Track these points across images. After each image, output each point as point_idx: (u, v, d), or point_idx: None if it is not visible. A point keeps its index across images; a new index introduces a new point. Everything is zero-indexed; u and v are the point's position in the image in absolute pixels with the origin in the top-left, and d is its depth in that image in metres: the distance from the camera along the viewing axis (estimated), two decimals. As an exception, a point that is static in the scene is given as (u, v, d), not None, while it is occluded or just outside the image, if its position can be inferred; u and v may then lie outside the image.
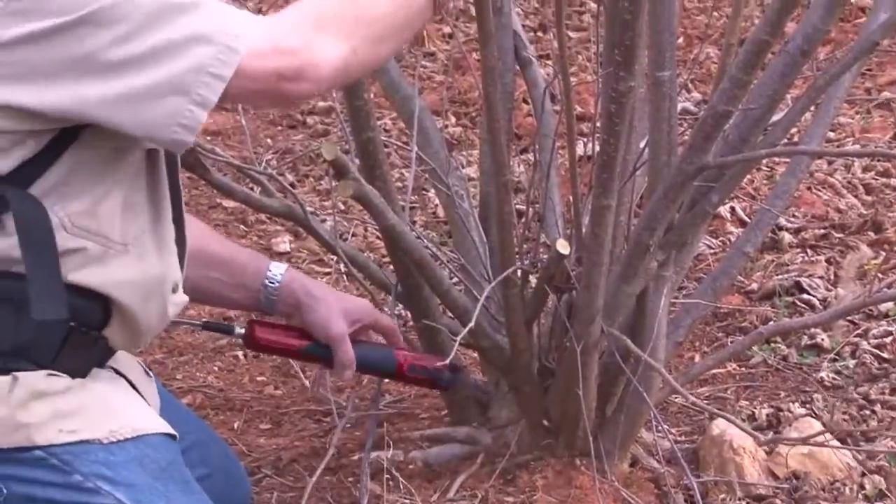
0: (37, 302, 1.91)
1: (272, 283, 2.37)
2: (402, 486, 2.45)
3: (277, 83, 1.87)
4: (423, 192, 3.66)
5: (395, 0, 1.94)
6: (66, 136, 1.90)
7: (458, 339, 2.28)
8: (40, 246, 1.93)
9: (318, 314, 2.35)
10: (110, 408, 2.03)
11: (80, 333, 1.98)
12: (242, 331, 2.41)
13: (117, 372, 2.09)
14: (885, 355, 3.02)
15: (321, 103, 4.49)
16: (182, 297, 2.12)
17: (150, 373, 2.21)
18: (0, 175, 1.89)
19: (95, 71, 1.84)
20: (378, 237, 3.39)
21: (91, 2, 1.82)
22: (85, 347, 2.02)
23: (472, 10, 2.09)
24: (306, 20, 1.89)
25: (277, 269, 2.37)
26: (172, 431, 2.06)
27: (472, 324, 2.27)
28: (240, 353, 3.06)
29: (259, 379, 3.08)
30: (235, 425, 2.85)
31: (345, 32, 1.89)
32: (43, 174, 1.92)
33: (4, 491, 1.94)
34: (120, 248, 1.99)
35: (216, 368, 3.08)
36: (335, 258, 3.30)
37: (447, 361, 2.36)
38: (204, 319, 2.63)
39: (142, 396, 2.12)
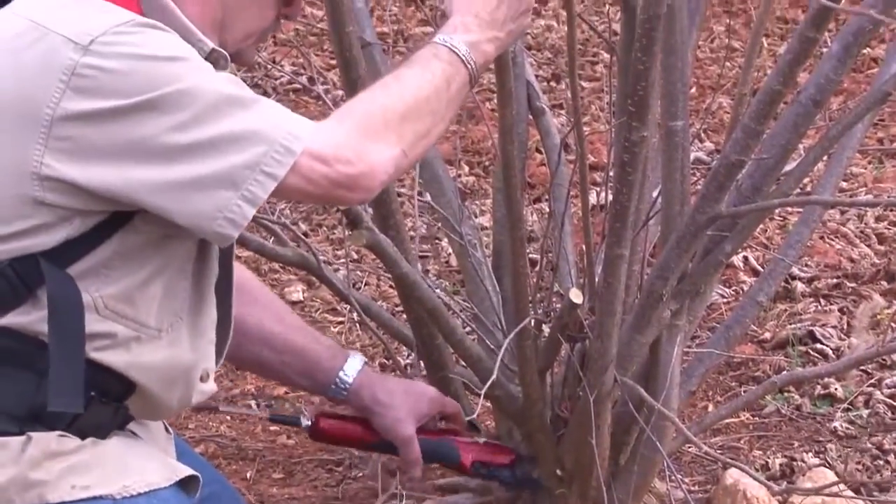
0: (53, 391, 1.92)
1: (342, 385, 2.37)
2: (422, 536, 2.44)
3: (331, 189, 1.88)
4: (436, 241, 3.66)
5: (437, 90, 1.94)
6: (116, 220, 1.91)
7: (482, 393, 2.28)
8: (67, 330, 1.93)
9: (385, 420, 2.36)
10: (124, 463, 2.03)
11: (99, 402, 1.99)
12: (309, 423, 2.41)
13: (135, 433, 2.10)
14: (900, 406, 3.01)
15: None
16: (211, 387, 2.12)
17: (170, 429, 2.21)
18: (42, 250, 1.90)
19: (149, 155, 1.85)
20: (391, 286, 3.39)
21: (156, 87, 1.83)
22: (104, 414, 2.02)
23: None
24: (359, 126, 1.89)
25: (351, 371, 2.37)
26: (192, 473, 2.05)
27: (493, 377, 2.27)
28: (252, 402, 3.05)
29: (272, 429, 3.07)
30: (248, 475, 2.85)
31: (395, 135, 1.90)
32: (85, 256, 1.92)
33: None
34: (153, 334, 1.99)
35: (229, 418, 3.08)
36: (348, 307, 3.30)
37: (512, 453, 2.43)
38: (270, 413, 2.64)
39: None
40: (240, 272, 2.27)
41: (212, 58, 2.00)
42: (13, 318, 1.91)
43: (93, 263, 1.92)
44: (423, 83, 1.93)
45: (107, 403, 2.01)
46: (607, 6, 5.42)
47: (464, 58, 1.95)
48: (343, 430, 2.42)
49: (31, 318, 1.92)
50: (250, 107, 1.86)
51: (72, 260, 1.92)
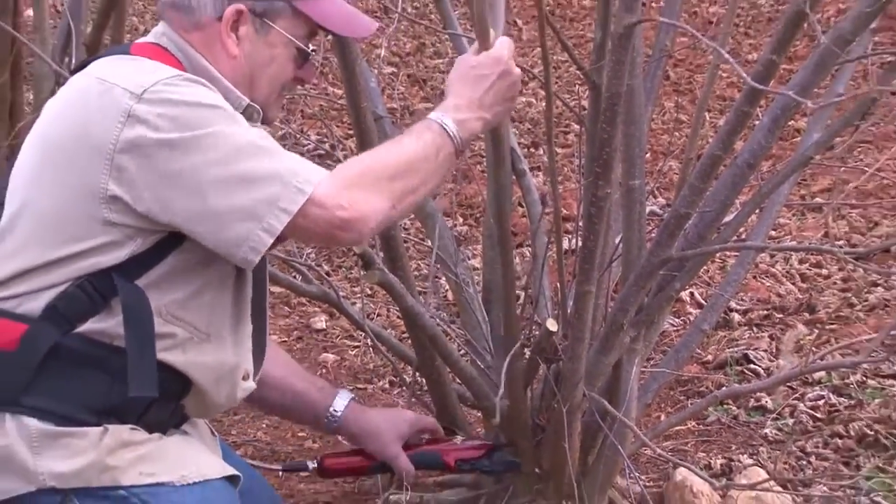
0: (133, 380, 1.92)
1: (333, 418, 2.40)
2: (420, 524, 2.43)
3: (330, 229, 1.87)
4: (436, 279, 3.66)
5: (426, 156, 1.94)
6: (172, 240, 1.91)
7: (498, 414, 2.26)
8: (141, 330, 1.94)
9: (373, 444, 2.40)
10: (182, 457, 2.03)
11: (162, 401, 1.99)
12: (315, 465, 2.45)
13: (187, 432, 2.10)
14: (818, 415, 2.99)
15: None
16: (251, 385, 2.13)
17: (215, 433, 2.21)
18: (113, 265, 1.91)
19: (185, 188, 1.86)
20: (398, 316, 3.40)
21: (194, 128, 1.85)
22: (165, 412, 2.02)
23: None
24: (356, 180, 1.89)
25: (339, 406, 2.40)
26: (236, 473, 2.06)
27: (501, 391, 2.26)
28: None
29: (300, 434, 3.06)
30: (280, 474, 2.84)
31: (387, 191, 1.90)
32: (148, 270, 1.93)
33: None
34: (203, 337, 2.00)
35: (264, 426, 3.07)
36: (363, 334, 3.29)
37: (487, 445, 2.44)
38: (282, 465, 2.67)
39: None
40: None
41: (247, 112, 2.03)
42: (91, 325, 1.92)
43: (155, 277, 1.93)
44: (415, 150, 1.93)
45: (167, 402, 2.01)
46: (577, 86, 5.46)
47: (451, 133, 1.95)
48: (344, 463, 2.46)
49: (108, 324, 1.92)
50: (273, 154, 1.87)
51: (138, 274, 1.93)
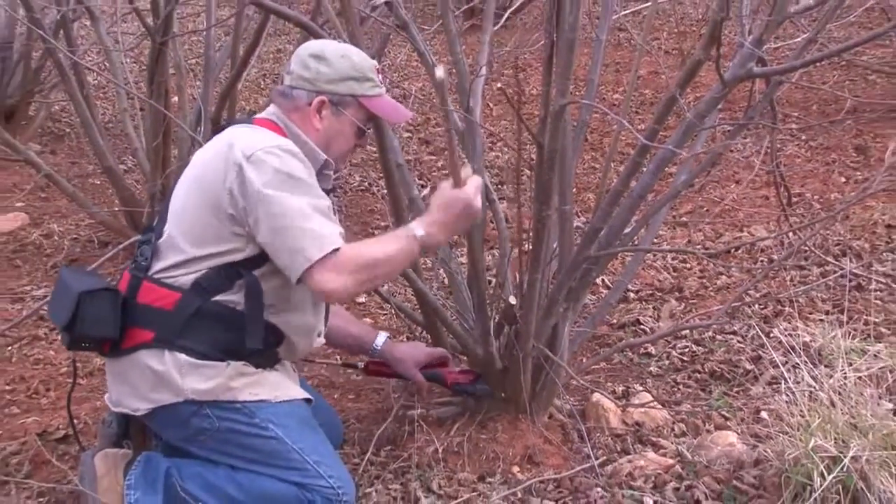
0: (249, 336, 1.96)
1: (375, 349, 2.41)
2: (424, 429, 2.42)
3: (317, 287, 1.85)
4: (438, 270, 3.66)
5: (398, 257, 1.92)
6: None
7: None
8: (256, 302, 1.96)
9: (399, 366, 2.41)
10: (277, 384, 2.04)
11: (265, 349, 1.99)
12: (362, 366, 2.47)
13: (278, 369, 2.10)
14: (684, 358, 2.99)
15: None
16: (321, 340, 2.17)
17: (296, 370, 2.22)
18: (237, 260, 1.93)
19: (259, 223, 1.88)
20: (412, 295, 3.39)
21: (275, 188, 1.86)
22: (267, 355, 2.04)
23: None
24: (346, 264, 1.84)
25: (379, 342, 2.41)
26: (309, 396, 2.09)
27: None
28: (337, 357, 3.04)
29: (348, 372, 3.06)
30: (336, 396, 2.84)
31: (360, 279, 1.86)
32: (260, 266, 1.95)
33: (217, 423, 1.94)
34: (293, 307, 2.02)
35: (325, 365, 3.07)
36: (389, 306, 3.29)
37: (475, 372, 2.45)
38: (343, 362, 2.70)
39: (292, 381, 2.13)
40: None
41: (325, 164, 2.04)
42: (222, 297, 1.94)
43: (264, 270, 1.96)
44: (393, 251, 1.90)
45: (268, 349, 2.02)
46: (529, 145, 5.44)
47: (420, 240, 1.92)
48: (380, 370, 2.45)
49: (233, 297, 1.94)
50: (316, 220, 1.86)
51: (254, 267, 1.95)
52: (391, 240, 1.93)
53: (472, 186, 1.92)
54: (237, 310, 1.95)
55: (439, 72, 1.74)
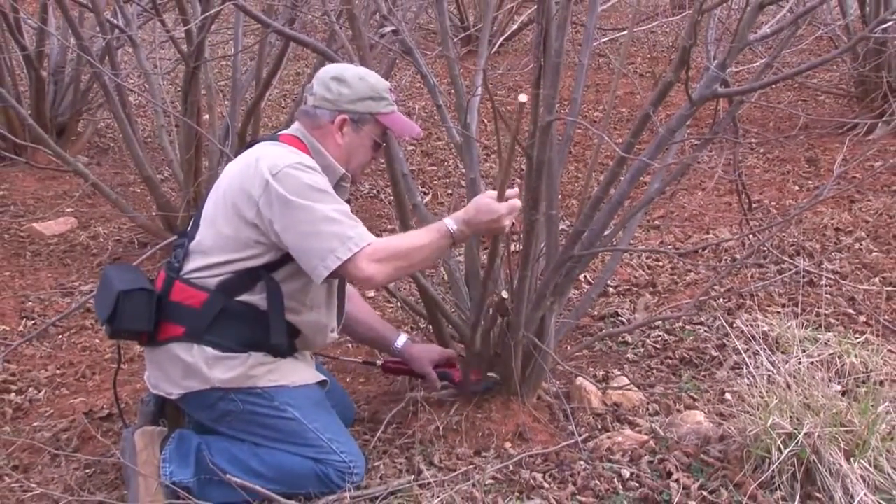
0: (273, 332, 1.96)
1: (396, 348, 2.39)
2: (427, 409, 2.41)
3: (354, 280, 1.88)
4: (438, 268, 3.65)
5: (430, 248, 1.91)
6: (291, 256, 1.92)
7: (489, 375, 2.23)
8: (277, 302, 1.95)
9: (415, 364, 2.38)
10: (295, 370, 2.03)
11: (283, 342, 1.98)
12: (380, 363, 2.46)
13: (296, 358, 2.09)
14: (657, 346, 2.98)
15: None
16: (335, 335, 2.17)
17: (313, 357, 2.21)
18: (259, 265, 1.93)
19: (287, 230, 1.87)
20: (416, 290, 3.37)
21: (302, 198, 1.85)
22: (285, 347, 2.04)
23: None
24: (381, 255, 1.85)
25: (400, 342, 2.39)
26: (324, 378, 2.10)
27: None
28: (350, 345, 3.02)
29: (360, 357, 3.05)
30: (348, 380, 2.82)
31: (394, 267, 1.87)
32: (279, 269, 1.94)
33: (241, 406, 1.94)
34: (309, 308, 2.02)
35: (338, 352, 3.04)
36: (395, 299, 3.28)
37: (478, 376, 2.41)
38: (362, 360, 2.70)
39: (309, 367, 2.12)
40: (351, 290, 2.28)
41: (343, 177, 2.03)
42: (245, 297, 1.94)
43: (284, 274, 1.94)
44: (427, 243, 1.90)
45: (286, 342, 2.01)
46: (519, 157, 5.43)
47: (453, 234, 1.92)
48: (396, 369, 2.45)
49: (255, 297, 1.94)
50: (344, 223, 1.85)
51: (274, 270, 1.94)
52: (424, 232, 1.94)
53: (509, 206, 1.93)
54: (259, 309, 1.94)
55: (522, 97, 1.79)
